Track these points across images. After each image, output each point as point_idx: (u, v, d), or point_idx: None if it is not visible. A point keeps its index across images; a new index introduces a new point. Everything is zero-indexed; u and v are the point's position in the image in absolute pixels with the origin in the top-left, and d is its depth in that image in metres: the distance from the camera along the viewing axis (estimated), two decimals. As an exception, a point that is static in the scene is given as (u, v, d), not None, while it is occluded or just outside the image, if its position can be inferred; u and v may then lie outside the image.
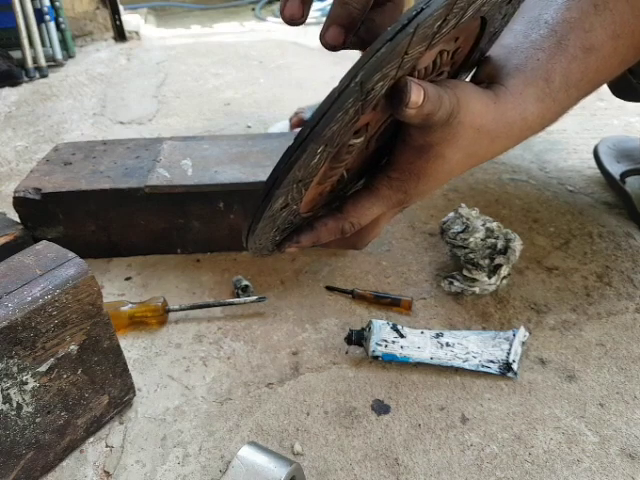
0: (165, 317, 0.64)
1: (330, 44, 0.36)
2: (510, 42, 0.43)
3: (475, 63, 0.42)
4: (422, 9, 0.27)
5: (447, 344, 0.57)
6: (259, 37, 1.98)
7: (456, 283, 0.66)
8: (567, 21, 0.43)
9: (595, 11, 0.43)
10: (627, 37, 0.44)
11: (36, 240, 0.68)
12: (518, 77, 0.40)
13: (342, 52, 0.43)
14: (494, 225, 0.66)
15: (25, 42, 1.61)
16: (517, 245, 0.65)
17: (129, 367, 0.53)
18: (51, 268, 0.44)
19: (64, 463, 0.49)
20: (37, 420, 0.45)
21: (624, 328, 0.62)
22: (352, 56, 0.42)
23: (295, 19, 0.35)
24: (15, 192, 0.71)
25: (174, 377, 0.58)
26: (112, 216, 0.73)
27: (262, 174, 0.71)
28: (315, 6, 2.12)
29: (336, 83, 0.31)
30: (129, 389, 0.53)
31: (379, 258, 0.75)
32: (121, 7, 2.01)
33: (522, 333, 0.58)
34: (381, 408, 0.53)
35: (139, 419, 0.53)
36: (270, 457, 0.43)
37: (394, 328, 0.58)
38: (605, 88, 0.80)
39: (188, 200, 0.72)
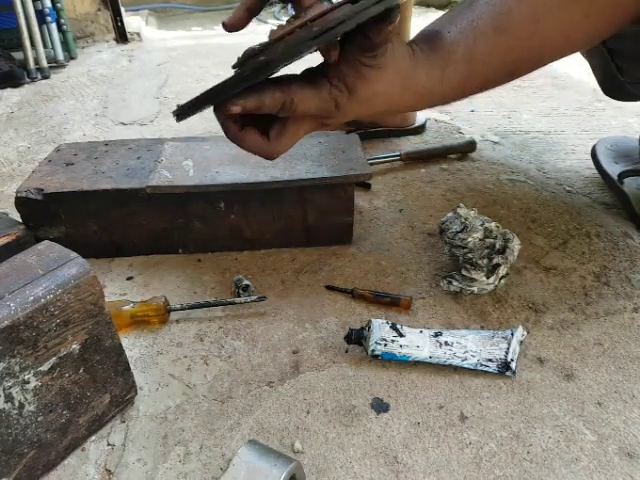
0: (166, 316, 0.65)
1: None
2: (435, 21, 0.50)
3: None
4: None
5: (446, 343, 0.57)
6: (259, 39, 1.98)
7: (455, 283, 0.66)
8: (488, 4, 0.48)
9: None
10: (550, 23, 0.48)
11: (38, 240, 0.69)
12: (427, 43, 0.47)
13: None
14: (492, 225, 0.66)
15: (27, 43, 1.62)
16: (515, 245, 0.65)
17: (131, 366, 0.53)
18: (53, 268, 0.45)
19: (66, 461, 0.50)
20: (39, 419, 0.45)
21: (622, 327, 0.62)
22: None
23: (237, 28, 0.45)
24: (17, 192, 0.71)
25: (175, 376, 0.58)
26: (114, 216, 0.74)
27: (262, 175, 0.72)
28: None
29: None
30: (131, 388, 0.54)
31: (379, 258, 0.75)
32: (122, 9, 2.01)
33: (520, 332, 0.59)
34: (380, 406, 0.54)
35: (141, 417, 0.54)
36: (270, 455, 0.43)
37: (393, 327, 0.58)
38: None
39: (189, 200, 0.72)
